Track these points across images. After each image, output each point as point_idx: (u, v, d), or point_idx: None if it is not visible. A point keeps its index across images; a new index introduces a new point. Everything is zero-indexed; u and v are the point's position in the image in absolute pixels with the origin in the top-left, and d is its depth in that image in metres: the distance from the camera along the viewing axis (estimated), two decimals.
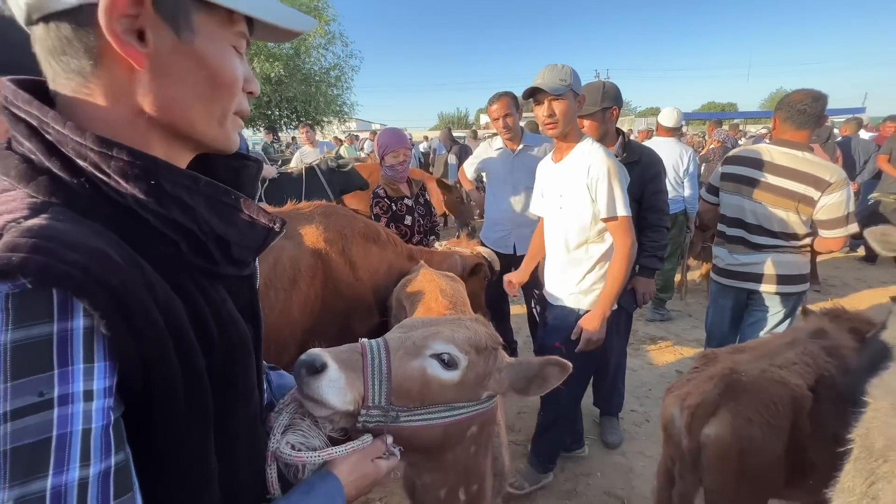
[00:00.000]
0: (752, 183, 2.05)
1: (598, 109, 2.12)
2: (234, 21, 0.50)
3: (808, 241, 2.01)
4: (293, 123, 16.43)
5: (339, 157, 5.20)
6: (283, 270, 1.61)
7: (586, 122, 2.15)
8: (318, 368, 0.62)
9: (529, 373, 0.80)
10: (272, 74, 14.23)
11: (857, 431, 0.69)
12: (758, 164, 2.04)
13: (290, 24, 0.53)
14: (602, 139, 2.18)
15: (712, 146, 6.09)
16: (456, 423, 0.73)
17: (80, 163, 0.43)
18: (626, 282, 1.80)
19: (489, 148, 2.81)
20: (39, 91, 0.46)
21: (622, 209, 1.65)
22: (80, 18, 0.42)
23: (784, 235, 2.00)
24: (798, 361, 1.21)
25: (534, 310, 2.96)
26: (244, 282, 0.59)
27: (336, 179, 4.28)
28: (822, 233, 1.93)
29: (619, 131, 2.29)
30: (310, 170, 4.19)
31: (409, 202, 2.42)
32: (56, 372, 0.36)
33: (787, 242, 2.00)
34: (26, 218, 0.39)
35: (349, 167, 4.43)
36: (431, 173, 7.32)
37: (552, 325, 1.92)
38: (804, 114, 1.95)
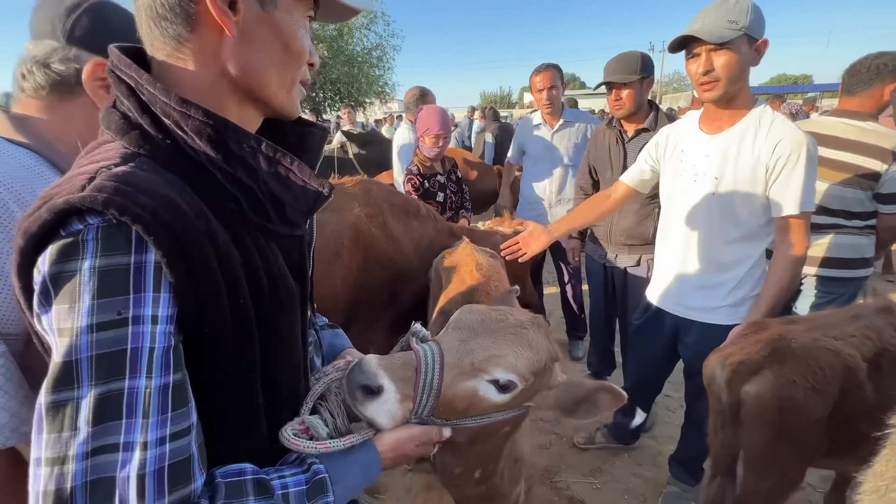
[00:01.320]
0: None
1: (637, 79, 2.01)
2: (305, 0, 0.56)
3: (872, 221, 1.81)
4: (336, 105, 16.77)
5: (371, 132, 5.21)
6: (326, 244, 1.68)
7: (624, 93, 2.04)
8: (374, 391, 0.60)
9: (579, 395, 0.75)
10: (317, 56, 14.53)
11: None
12: (821, 138, 1.82)
13: (354, 3, 0.59)
14: (637, 111, 2.09)
15: None
16: (488, 426, 0.72)
17: (165, 121, 0.49)
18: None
19: (528, 124, 2.75)
20: (138, 58, 0.52)
21: (810, 203, 1.30)
22: None
23: (845, 214, 1.81)
24: (857, 334, 1.15)
25: (567, 290, 2.91)
26: (295, 242, 0.62)
27: (370, 154, 4.31)
28: (882, 208, 1.71)
29: (651, 104, 2.17)
30: (340, 149, 4.27)
31: (441, 179, 2.43)
32: (131, 296, 0.42)
33: (848, 222, 1.82)
34: (116, 165, 0.46)
35: (379, 141, 4.45)
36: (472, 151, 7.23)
37: (703, 345, 1.47)
38: (856, 76, 1.75)
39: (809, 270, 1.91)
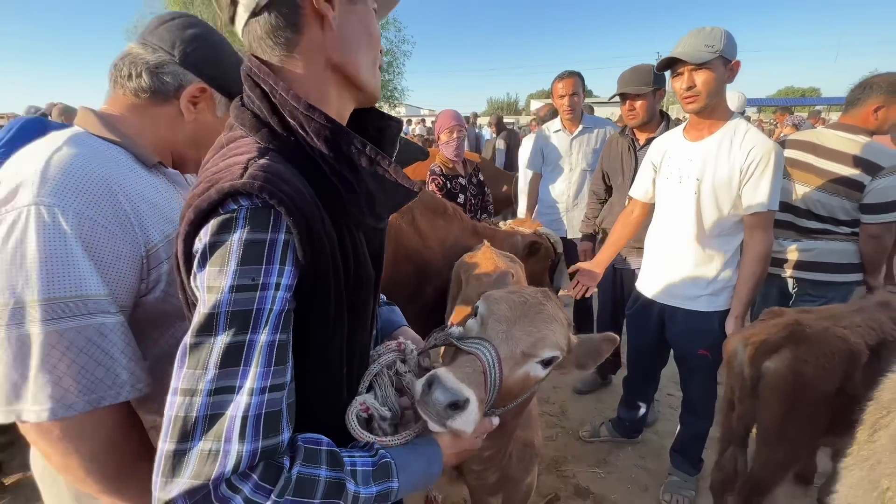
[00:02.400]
0: (803, 167, 2.00)
1: (650, 90, 2.14)
2: None
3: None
4: None
5: None
6: None
7: (638, 104, 2.19)
8: (461, 405, 0.61)
9: (591, 349, 0.83)
10: None
11: (876, 391, 0.78)
12: (810, 147, 1.99)
13: None
14: (648, 122, 2.23)
15: (784, 133, 5.68)
16: (525, 401, 0.79)
17: (291, 122, 0.57)
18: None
19: (547, 131, 2.86)
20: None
21: (775, 203, 1.51)
22: (293, 1, 0.58)
23: (833, 221, 1.94)
24: (862, 325, 1.31)
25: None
26: (378, 232, 0.69)
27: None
28: (863, 218, 1.83)
29: (662, 114, 2.30)
30: None
31: (462, 181, 2.54)
32: (264, 266, 0.50)
33: (836, 228, 1.94)
34: (258, 158, 0.54)
35: (403, 139, 4.59)
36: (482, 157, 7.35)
37: (689, 331, 1.75)
38: (853, 93, 1.90)
39: (802, 275, 2.02)
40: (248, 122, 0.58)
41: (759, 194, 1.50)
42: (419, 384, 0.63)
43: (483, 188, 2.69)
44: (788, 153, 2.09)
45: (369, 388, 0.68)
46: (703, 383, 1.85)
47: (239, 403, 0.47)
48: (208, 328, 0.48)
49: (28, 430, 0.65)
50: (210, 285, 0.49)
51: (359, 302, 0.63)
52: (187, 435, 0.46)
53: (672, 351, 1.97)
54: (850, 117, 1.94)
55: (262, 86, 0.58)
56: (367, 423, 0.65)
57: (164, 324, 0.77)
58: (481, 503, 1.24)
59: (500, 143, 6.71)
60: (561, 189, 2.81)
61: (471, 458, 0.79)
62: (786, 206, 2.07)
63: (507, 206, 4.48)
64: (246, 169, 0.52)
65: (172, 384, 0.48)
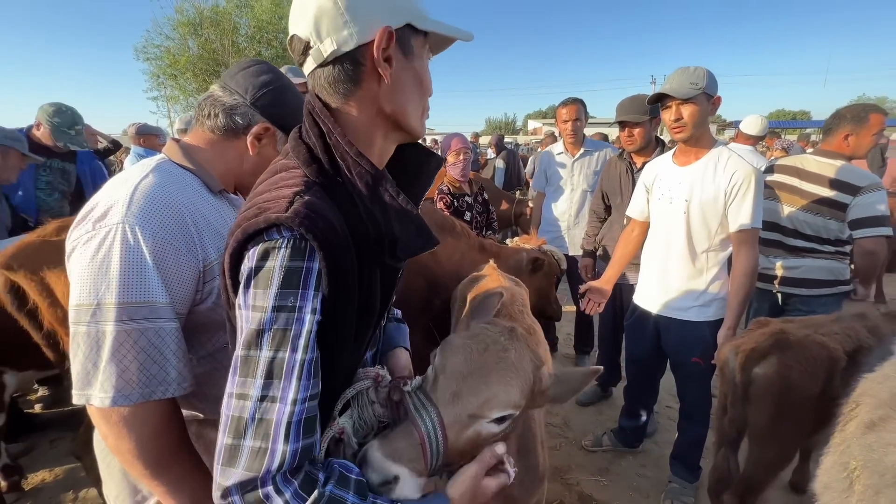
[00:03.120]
0: (789, 189, 2.17)
1: (647, 119, 2.31)
2: (426, 42, 0.71)
3: (844, 247, 2.08)
4: None
5: None
6: None
7: (636, 131, 2.36)
8: (391, 482, 0.61)
9: (569, 386, 0.76)
10: None
11: (850, 389, 0.89)
12: (794, 171, 2.17)
13: (458, 34, 0.71)
14: (645, 147, 2.40)
15: (774, 157, 5.86)
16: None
17: (340, 162, 0.63)
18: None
19: (550, 153, 3.03)
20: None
21: (758, 221, 1.66)
22: (356, 57, 0.63)
23: (818, 239, 2.09)
24: (840, 333, 1.43)
25: (580, 306, 3.13)
26: (393, 272, 0.74)
27: None
28: (856, 234, 1.96)
29: (658, 140, 2.47)
30: None
31: (468, 199, 2.68)
32: (300, 291, 0.56)
33: (821, 246, 2.09)
34: (304, 193, 0.59)
35: None
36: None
37: (681, 340, 1.89)
38: (828, 122, 2.10)
39: (791, 290, 2.16)
40: (301, 155, 0.64)
41: (742, 213, 1.65)
42: (359, 456, 0.64)
43: (487, 206, 2.82)
44: (776, 177, 2.25)
45: (344, 409, 0.70)
46: (697, 390, 1.96)
47: (283, 411, 0.54)
48: (255, 343, 0.55)
49: (94, 412, 0.75)
50: (255, 304, 0.55)
51: (361, 330, 0.68)
52: (241, 433, 0.53)
53: (669, 360, 2.08)
54: (827, 144, 2.12)
55: (321, 125, 0.65)
56: (336, 443, 0.67)
57: (211, 329, 0.86)
58: None
59: (500, 163, 6.88)
60: (563, 208, 2.95)
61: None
62: (774, 226, 2.22)
63: (507, 224, 4.58)
64: (291, 203, 0.57)
65: (228, 388, 0.55)
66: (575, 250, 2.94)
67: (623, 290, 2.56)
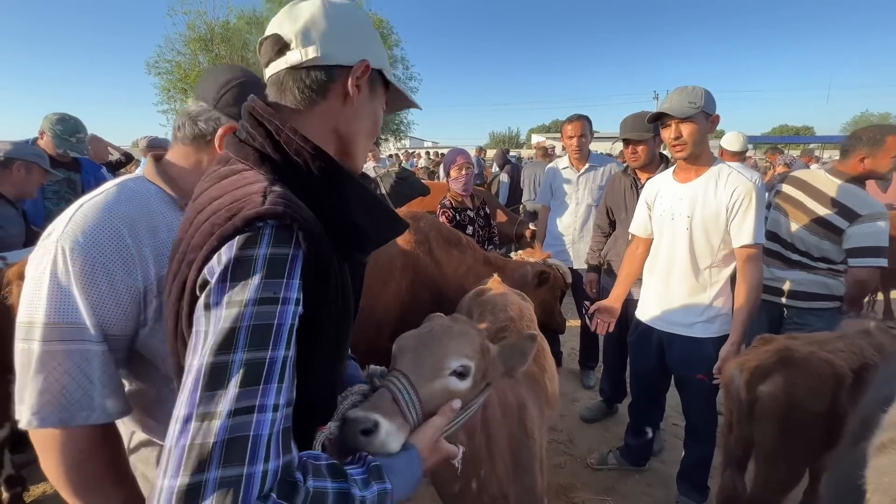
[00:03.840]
0: (794, 203, 2.18)
1: (651, 136, 2.34)
2: (385, 94, 0.76)
3: (836, 266, 2.08)
4: None
5: (403, 169, 5.65)
6: (382, 266, 1.95)
7: (640, 148, 2.39)
8: (371, 429, 0.63)
9: (514, 351, 0.88)
10: None
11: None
12: (803, 185, 2.18)
13: (413, 102, 0.81)
14: (649, 164, 2.42)
15: (778, 172, 5.85)
16: (474, 416, 0.82)
17: (295, 158, 0.61)
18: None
19: (556, 167, 3.06)
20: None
21: (761, 236, 1.67)
22: (332, 73, 0.66)
23: (809, 256, 2.10)
24: (845, 350, 1.41)
25: (586, 320, 3.13)
26: (360, 266, 0.74)
27: (401, 189, 4.70)
28: (850, 261, 1.98)
29: (662, 156, 2.49)
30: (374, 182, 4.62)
31: (471, 213, 2.70)
32: (284, 280, 0.51)
33: (813, 262, 2.10)
34: (271, 186, 0.56)
35: (410, 177, 4.86)
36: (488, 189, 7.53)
37: (685, 356, 1.87)
38: (845, 144, 2.10)
39: (786, 302, 2.17)
40: (250, 157, 0.62)
41: (745, 228, 1.67)
42: (332, 425, 0.64)
43: (489, 220, 2.85)
44: (786, 188, 2.27)
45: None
46: (703, 408, 1.94)
47: (263, 422, 0.45)
48: (228, 345, 0.46)
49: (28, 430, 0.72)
50: (231, 300, 0.48)
51: (340, 329, 0.64)
52: (204, 464, 0.42)
53: (674, 377, 2.06)
54: (843, 165, 2.12)
55: (267, 125, 0.62)
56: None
57: (157, 352, 0.81)
58: None
59: (504, 177, 6.91)
60: (567, 222, 2.96)
61: (447, 469, 0.83)
62: (775, 237, 2.24)
63: (508, 241, 4.64)
64: (265, 196, 0.54)
65: (178, 412, 0.45)
66: (579, 264, 2.94)
67: (627, 305, 2.54)
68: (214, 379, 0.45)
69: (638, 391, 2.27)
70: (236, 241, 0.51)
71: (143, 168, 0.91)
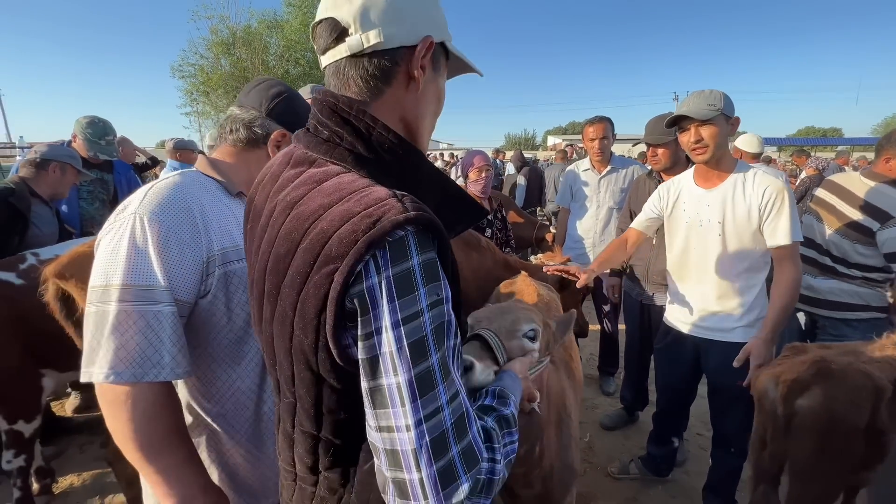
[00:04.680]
0: (828, 207, 2.10)
1: (672, 139, 2.27)
2: (447, 66, 0.71)
3: (872, 274, 1.98)
4: None
5: None
6: None
7: (659, 151, 2.34)
8: (469, 368, 0.76)
9: (563, 322, 1.05)
10: None
11: None
12: (837, 189, 2.11)
13: (475, 68, 0.75)
14: (672, 167, 2.35)
15: (805, 175, 5.50)
16: (537, 379, 0.96)
17: (386, 157, 0.60)
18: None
19: (576, 170, 3.02)
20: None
21: (798, 235, 1.63)
22: (395, 57, 0.61)
23: (844, 263, 2.01)
24: (881, 361, 1.35)
25: (605, 325, 3.08)
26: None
27: None
28: (894, 266, 1.91)
29: (688, 158, 2.41)
30: None
31: (489, 216, 2.68)
32: (441, 282, 0.53)
33: (847, 270, 2.02)
34: (396, 190, 0.54)
35: None
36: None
37: (726, 363, 1.74)
38: (879, 143, 2.03)
39: (819, 311, 2.09)
40: (347, 158, 0.59)
41: (780, 228, 1.63)
42: None
43: (506, 223, 2.82)
44: (821, 193, 2.20)
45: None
46: (738, 418, 1.86)
47: (464, 402, 0.53)
48: (423, 354, 0.50)
49: (97, 392, 0.78)
50: (408, 316, 0.50)
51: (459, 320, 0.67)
52: (446, 447, 0.50)
53: (707, 385, 1.99)
54: (874, 165, 2.06)
55: (356, 123, 0.60)
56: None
57: (211, 326, 0.89)
58: None
59: (521, 180, 6.85)
60: (588, 225, 2.92)
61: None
62: (811, 243, 2.16)
63: (526, 245, 4.50)
64: (400, 201, 0.52)
65: (403, 421, 0.49)
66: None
67: (651, 311, 2.49)
68: (425, 385, 0.50)
69: (667, 400, 2.20)
70: (386, 258, 0.50)
71: (198, 163, 1.01)
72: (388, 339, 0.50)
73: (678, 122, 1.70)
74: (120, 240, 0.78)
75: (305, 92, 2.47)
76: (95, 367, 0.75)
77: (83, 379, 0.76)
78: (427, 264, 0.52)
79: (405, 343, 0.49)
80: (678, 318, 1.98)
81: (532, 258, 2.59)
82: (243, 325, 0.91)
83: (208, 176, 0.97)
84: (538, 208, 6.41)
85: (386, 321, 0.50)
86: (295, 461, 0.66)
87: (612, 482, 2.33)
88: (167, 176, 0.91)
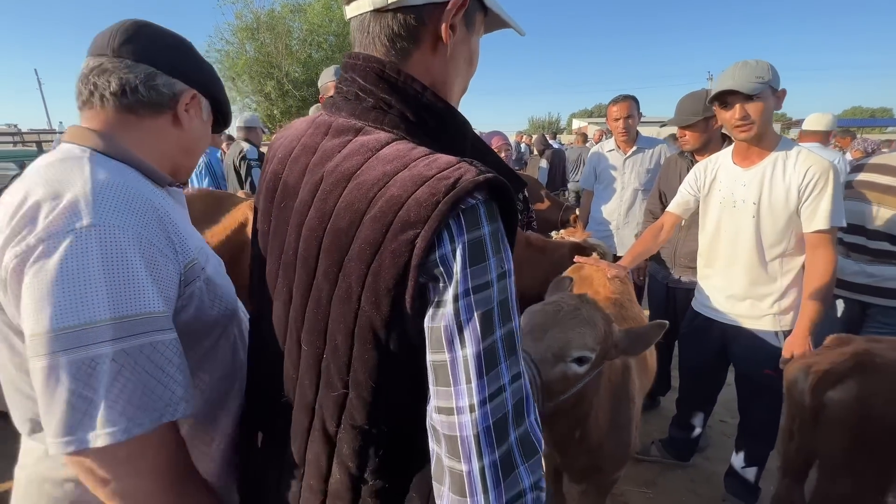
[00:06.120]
0: (880, 188, 1.97)
1: (701, 119, 2.16)
2: (484, 22, 0.65)
3: None
4: None
5: None
6: None
7: (688, 133, 2.23)
8: None
9: (638, 337, 0.97)
10: None
11: None
12: (886, 169, 1.98)
13: (515, 25, 0.69)
14: (704, 147, 2.24)
15: (851, 159, 5.09)
16: (584, 388, 0.93)
17: (434, 123, 0.58)
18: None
19: (600, 150, 2.93)
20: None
21: (840, 219, 1.53)
22: (421, 14, 0.56)
23: None
24: None
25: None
26: None
27: None
28: None
29: (724, 136, 2.30)
30: None
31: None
32: (503, 254, 0.51)
33: None
34: (463, 157, 0.52)
35: None
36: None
37: (754, 350, 1.74)
38: None
39: (871, 300, 1.97)
40: (401, 126, 0.57)
41: (819, 212, 1.53)
42: None
43: (527, 204, 2.78)
44: (865, 176, 2.07)
45: None
46: (766, 406, 1.81)
47: (525, 386, 0.51)
48: (490, 327, 0.48)
49: (82, 461, 0.59)
50: (478, 285, 0.48)
51: None
52: (506, 432, 0.48)
53: (734, 371, 1.94)
54: None
55: (407, 90, 0.57)
56: None
57: (194, 340, 0.75)
58: (562, 492, 1.34)
59: (543, 162, 6.76)
60: (612, 207, 2.84)
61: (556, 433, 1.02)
62: (858, 229, 2.03)
63: (551, 228, 4.43)
64: (472, 164, 0.51)
65: (465, 401, 0.47)
66: (624, 250, 2.81)
67: (678, 293, 2.42)
68: (490, 361, 0.48)
69: (690, 386, 2.15)
70: (462, 224, 0.48)
71: (74, 136, 0.73)
72: (458, 309, 0.47)
73: (722, 98, 1.58)
74: (84, 264, 0.57)
75: (329, 73, 2.46)
76: (97, 429, 0.57)
77: (66, 449, 0.56)
78: (494, 234, 0.50)
79: (475, 314, 0.47)
80: (705, 302, 1.91)
81: (553, 234, 2.54)
82: (216, 332, 0.77)
83: (114, 158, 0.70)
84: (561, 191, 6.32)
85: (459, 290, 0.48)
86: (329, 472, 0.59)
87: (633, 465, 2.30)
88: (82, 167, 0.64)
